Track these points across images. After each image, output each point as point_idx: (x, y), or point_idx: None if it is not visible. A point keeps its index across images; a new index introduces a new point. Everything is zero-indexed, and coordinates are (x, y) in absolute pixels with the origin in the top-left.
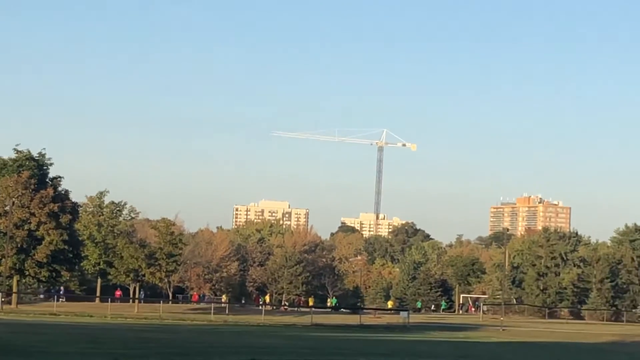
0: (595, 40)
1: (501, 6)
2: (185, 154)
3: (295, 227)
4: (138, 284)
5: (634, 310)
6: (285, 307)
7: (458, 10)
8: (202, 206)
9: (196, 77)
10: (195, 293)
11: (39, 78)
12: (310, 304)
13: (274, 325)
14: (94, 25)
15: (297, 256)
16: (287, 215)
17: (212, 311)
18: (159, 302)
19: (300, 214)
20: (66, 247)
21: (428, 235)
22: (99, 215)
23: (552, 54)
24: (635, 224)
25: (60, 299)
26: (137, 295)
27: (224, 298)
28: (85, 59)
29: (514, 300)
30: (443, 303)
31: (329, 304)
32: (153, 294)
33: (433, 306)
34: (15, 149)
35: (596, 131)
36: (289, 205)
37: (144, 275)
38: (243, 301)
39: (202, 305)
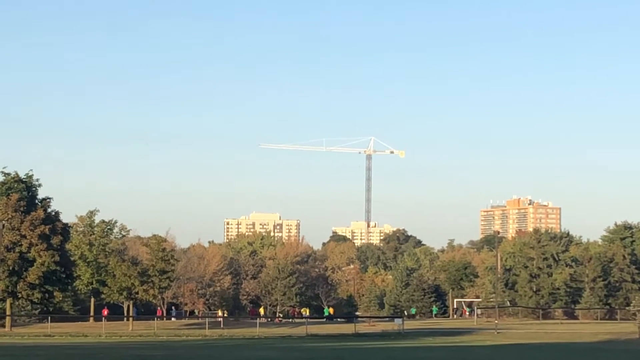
0: (580, 42)
1: (487, 10)
2: (174, 169)
3: (286, 238)
4: (131, 301)
5: (627, 307)
6: (280, 318)
7: (443, 15)
8: (193, 221)
9: (184, 91)
10: (159, 308)
11: (22, 98)
12: (306, 313)
13: (269, 337)
14: (74, 42)
15: (290, 267)
16: (278, 227)
17: (207, 326)
18: (153, 319)
19: (291, 225)
20: (58, 267)
21: (420, 241)
22: (90, 235)
23: (538, 56)
24: (625, 222)
25: None
26: (130, 313)
27: (219, 313)
28: (68, 77)
29: (508, 302)
30: (434, 308)
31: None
32: (147, 311)
33: (406, 313)
34: (2, 172)
35: (583, 131)
36: (280, 217)
37: (137, 293)
38: (224, 314)
39: (173, 320)
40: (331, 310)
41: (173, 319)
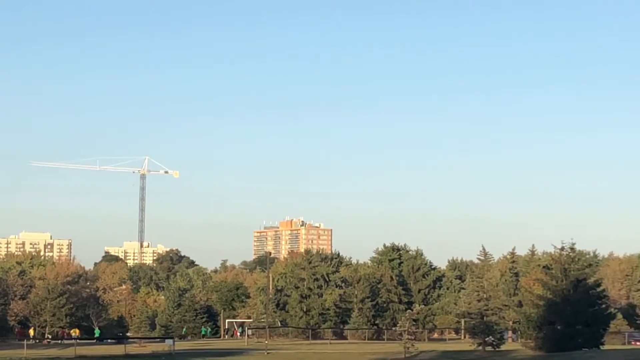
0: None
1: (312, 29)
2: None
3: (57, 258)
4: None
5: (394, 328)
6: (48, 340)
7: (224, 38)
8: None
9: None
10: None
11: None
12: (77, 334)
13: (36, 359)
14: None
15: (60, 288)
16: (49, 247)
17: None
18: None
19: (62, 245)
20: None
21: (193, 262)
22: None
23: (333, 74)
24: (393, 243)
25: None
26: None
27: None
28: None
29: (279, 323)
30: (203, 329)
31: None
32: None
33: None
34: None
35: (353, 154)
36: (51, 237)
37: None
38: None
39: None
40: (77, 331)
41: None
